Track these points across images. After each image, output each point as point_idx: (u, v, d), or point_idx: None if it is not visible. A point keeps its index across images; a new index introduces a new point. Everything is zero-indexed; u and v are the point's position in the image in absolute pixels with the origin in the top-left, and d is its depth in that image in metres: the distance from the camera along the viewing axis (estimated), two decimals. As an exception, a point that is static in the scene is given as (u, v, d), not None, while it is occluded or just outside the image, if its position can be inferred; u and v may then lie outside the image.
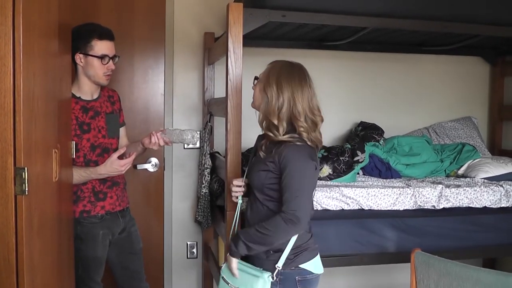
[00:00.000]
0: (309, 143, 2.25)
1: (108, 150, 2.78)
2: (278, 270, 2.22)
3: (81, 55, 2.64)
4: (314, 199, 3.00)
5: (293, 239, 2.23)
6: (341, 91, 4.26)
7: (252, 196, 2.37)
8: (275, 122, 2.22)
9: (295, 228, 2.15)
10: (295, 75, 2.26)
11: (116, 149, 2.80)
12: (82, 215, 2.69)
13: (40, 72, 1.81)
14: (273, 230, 2.14)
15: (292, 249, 2.23)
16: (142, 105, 3.61)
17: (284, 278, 2.24)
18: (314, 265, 2.32)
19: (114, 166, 2.63)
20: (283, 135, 2.22)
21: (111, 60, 2.70)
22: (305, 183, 2.18)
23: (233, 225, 2.52)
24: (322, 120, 2.31)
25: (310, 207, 2.26)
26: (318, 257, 2.35)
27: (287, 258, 2.23)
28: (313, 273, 2.30)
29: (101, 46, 2.65)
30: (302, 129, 2.23)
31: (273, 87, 2.23)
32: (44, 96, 1.85)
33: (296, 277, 2.26)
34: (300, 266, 2.27)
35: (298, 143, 2.21)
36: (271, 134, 2.25)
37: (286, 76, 2.24)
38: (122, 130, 2.98)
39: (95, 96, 2.79)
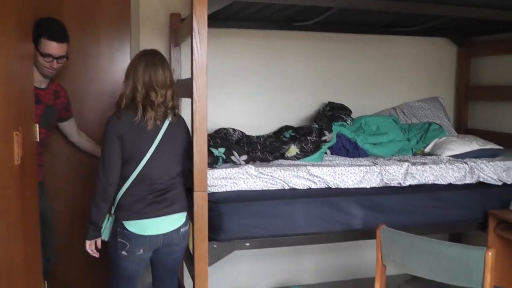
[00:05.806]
0: (138, 114, 2.55)
1: None
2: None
3: (33, 45, 2.73)
4: (281, 178, 3.03)
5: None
6: (309, 72, 4.28)
7: None
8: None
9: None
10: (138, 59, 2.63)
11: (44, 139, 2.96)
12: None
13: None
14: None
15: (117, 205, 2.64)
16: (109, 88, 3.56)
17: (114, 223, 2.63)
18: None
19: None
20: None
21: (55, 60, 2.85)
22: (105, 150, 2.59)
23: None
24: (159, 95, 2.58)
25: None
26: (139, 221, 2.59)
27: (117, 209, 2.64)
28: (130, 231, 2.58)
29: (47, 45, 2.84)
30: (138, 99, 2.55)
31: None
32: (3, 79, 1.82)
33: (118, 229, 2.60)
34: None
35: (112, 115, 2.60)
36: None
37: (131, 63, 2.66)
38: (67, 124, 3.25)
39: (43, 86, 2.96)
